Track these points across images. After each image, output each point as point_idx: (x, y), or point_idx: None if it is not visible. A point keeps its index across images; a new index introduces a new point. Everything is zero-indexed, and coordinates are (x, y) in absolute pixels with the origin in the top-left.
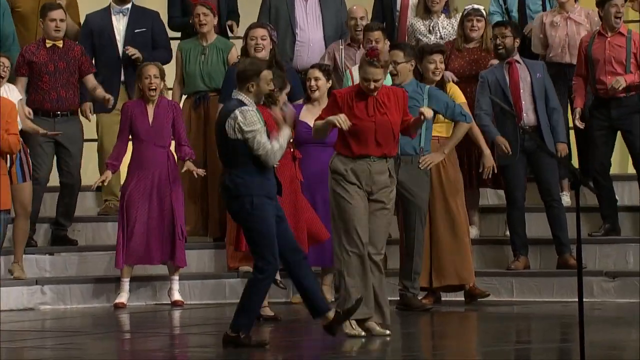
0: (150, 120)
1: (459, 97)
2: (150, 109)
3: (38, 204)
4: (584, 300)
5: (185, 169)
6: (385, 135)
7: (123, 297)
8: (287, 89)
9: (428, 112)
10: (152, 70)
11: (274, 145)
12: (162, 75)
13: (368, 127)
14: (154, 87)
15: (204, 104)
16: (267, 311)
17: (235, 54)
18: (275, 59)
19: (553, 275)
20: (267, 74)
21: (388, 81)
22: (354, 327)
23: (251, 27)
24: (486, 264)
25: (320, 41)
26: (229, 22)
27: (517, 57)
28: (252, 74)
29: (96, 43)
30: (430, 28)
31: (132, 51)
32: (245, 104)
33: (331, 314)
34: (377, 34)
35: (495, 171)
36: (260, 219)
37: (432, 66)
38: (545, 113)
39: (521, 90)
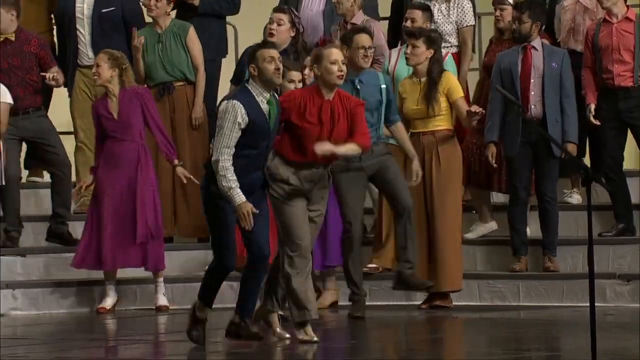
0: (115, 114)
1: (456, 89)
2: (114, 102)
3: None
4: (596, 305)
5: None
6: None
7: (107, 302)
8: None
9: None
10: (97, 59)
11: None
12: (115, 64)
13: (318, 135)
14: (96, 77)
15: (169, 96)
16: None
17: (193, 35)
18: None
19: (562, 278)
20: (263, 52)
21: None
22: (307, 332)
23: (273, 9)
24: (490, 266)
25: (317, 15)
26: None
27: (535, 42)
28: (250, 57)
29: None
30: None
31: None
32: (247, 91)
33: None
34: (416, 13)
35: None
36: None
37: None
38: (554, 105)
39: (532, 81)
